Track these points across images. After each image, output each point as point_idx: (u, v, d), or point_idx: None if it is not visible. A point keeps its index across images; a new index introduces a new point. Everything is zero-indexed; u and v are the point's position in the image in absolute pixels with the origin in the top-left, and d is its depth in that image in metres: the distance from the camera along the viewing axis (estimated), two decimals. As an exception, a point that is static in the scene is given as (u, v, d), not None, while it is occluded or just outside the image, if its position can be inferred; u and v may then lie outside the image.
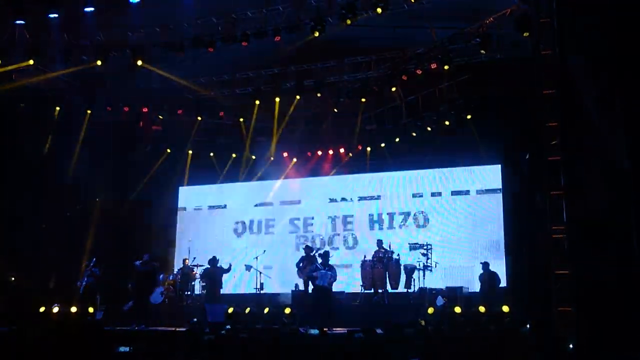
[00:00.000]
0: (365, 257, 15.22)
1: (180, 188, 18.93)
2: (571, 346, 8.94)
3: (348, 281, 15.83)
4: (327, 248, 15.76)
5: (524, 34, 11.56)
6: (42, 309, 13.09)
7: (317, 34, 12.21)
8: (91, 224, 15.93)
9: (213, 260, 14.56)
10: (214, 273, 14.40)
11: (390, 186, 17.22)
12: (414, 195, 16.90)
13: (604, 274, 9.63)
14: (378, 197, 17.22)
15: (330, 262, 12.98)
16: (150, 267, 13.92)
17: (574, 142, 10.09)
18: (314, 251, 15.03)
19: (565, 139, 10.20)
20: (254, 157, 17.97)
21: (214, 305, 13.99)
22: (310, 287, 13.45)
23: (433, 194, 16.70)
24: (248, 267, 15.20)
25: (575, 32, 9.98)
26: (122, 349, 8.01)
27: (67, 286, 14.30)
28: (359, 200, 17.42)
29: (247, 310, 12.80)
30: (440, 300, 13.32)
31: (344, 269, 15.97)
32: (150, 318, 13.12)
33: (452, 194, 16.53)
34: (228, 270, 14.60)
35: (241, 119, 16.99)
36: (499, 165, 16.04)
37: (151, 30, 13.38)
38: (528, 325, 10.36)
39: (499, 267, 14.91)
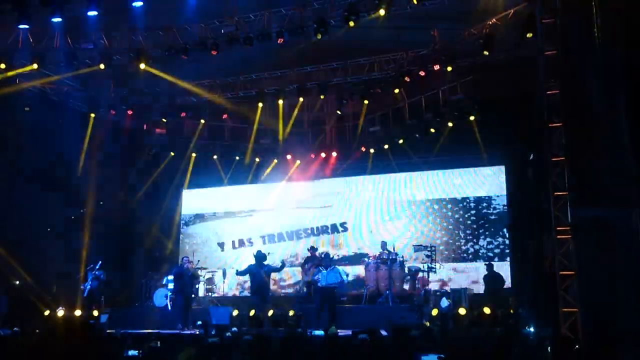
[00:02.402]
0: (369, 259, 15.22)
1: (184, 191, 18.96)
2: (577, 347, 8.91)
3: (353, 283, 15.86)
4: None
5: (528, 35, 11.55)
6: (46, 313, 13.12)
7: (319, 36, 12.21)
8: (94, 227, 15.96)
9: (259, 256, 13.32)
10: (259, 271, 13.11)
11: (393, 188, 17.22)
12: (417, 197, 16.90)
13: (610, 275, 9.61)
14: (381, 199, 17.23)
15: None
16: (190, 270, 13.70)
17: (579, 142, 10.09)
18: (319, 253, 15.02)
19: (570, 140, 10.18)
20: (257, 159, 17.98)
21: (219, 308, 14.00)
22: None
23: (437, 196, 16.70)
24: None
25: (579, 32, 9.98)
26: (130, 352, 7.99)
27: (71, 289, 14.32)
28: (361, 202, 17.45)
29: (252, 312, 12.78)
30: (444, 302, 13.30)
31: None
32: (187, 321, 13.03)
33: (456, 195, 16.53)
34: (280, 268, 13.70)
35: (245, 122, 16.99)
36: (503, 166, 16.04)
37: (154, 34, 13.41)
38: (532, 328, 10.33)
39: (504, 269, 14.91)
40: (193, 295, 15.22)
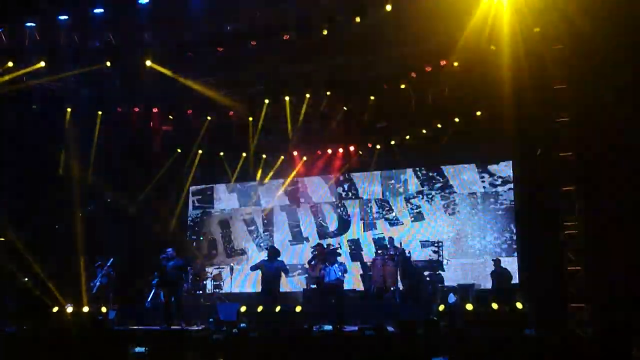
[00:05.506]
0: (376, 254, 15.21)
1: (191, 188, 19.01)
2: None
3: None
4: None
5: (535, 29, 11.47)
6: (55, 309, 13.18)
7: (326, 32, 12.18)
8: (101, 224, 16.05)
9: (272, 251, 12.99)
10: (270, 266, 12.81)
11: (400, 183, 17.21)
12: (424, 193, 16.88)
13: (617, 270, 9.57)
14: (387, 195, 17.22)
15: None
16: (177, 262, 13.00)
17: (587, 136, 10.04)
18: (326, 249, 15.04)
19: (578, 134, 10.15)
20: (264, 156, 17.99)
21: (226, 304, 14.01)
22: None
23: (444, 191, 16.66)
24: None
25: (586, 25, 9.91)
26: (137, 349, 8.01)
27: (79, 286, 14.38)
28: (368, 198, 17.44)
29: (260, 308, 12.81)
30: (452, 298, 13.30)
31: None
32: (175, 317, 12.66)
33: (463, 191, 16.49)
34: (287, 273, 13.29)
35: (250, 118, 16.98)
36: (510, 161, 15.97)
37: (160, 31, 13.40)
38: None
39: (511, 264, 14.86)
40: (199, 292, 15.25)
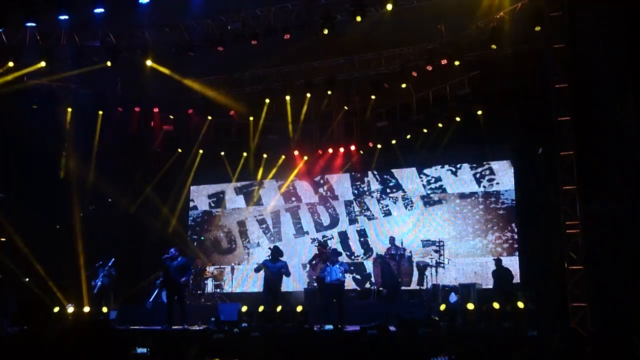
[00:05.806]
0: (377, 254, 15.20)
1: (191, 188, 19.01)
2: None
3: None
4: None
5: (536, 28, 11.49)
6: (56, 310, 13.18)
7: (326, 32, 12.18)
8: (103, 224, 16.04)
9: (275, 251, 13.06)
10: (273, 266, 12.85)
11: (400, 183, 17.20)
12: (425, 192, 16.86)
13: (619, 269, 9.57)
14: (389, 194, 17.21)
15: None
16: (180, 262, 12.78)
17: (588, 136, 10.04)
18: (327, 248, 15.03)
19: (579, 133, 10.14)
20: (265, 155, 17.99)
21: (227, 304, 14.00)
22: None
23: (444, 190, 16.65)
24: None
25: (587, 24, 9.92)
26: (139, 350, 8.00)
27: (80, 286, 14.38)
28: (369, 196, 17.45)
29: (261, 308, 12.81)
30: (453, 297, 13.30)
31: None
32: (177, 318, 12.54)
33: (464, 190, 16.47)
34: (289, 275, 13.32)
35: (251, 118, 16.98)
36: (511, 161, 15.98)
37: (161, 30, 13.41)
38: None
39: (512, 264, 14.87)
40: (202, 292, 15.21)
